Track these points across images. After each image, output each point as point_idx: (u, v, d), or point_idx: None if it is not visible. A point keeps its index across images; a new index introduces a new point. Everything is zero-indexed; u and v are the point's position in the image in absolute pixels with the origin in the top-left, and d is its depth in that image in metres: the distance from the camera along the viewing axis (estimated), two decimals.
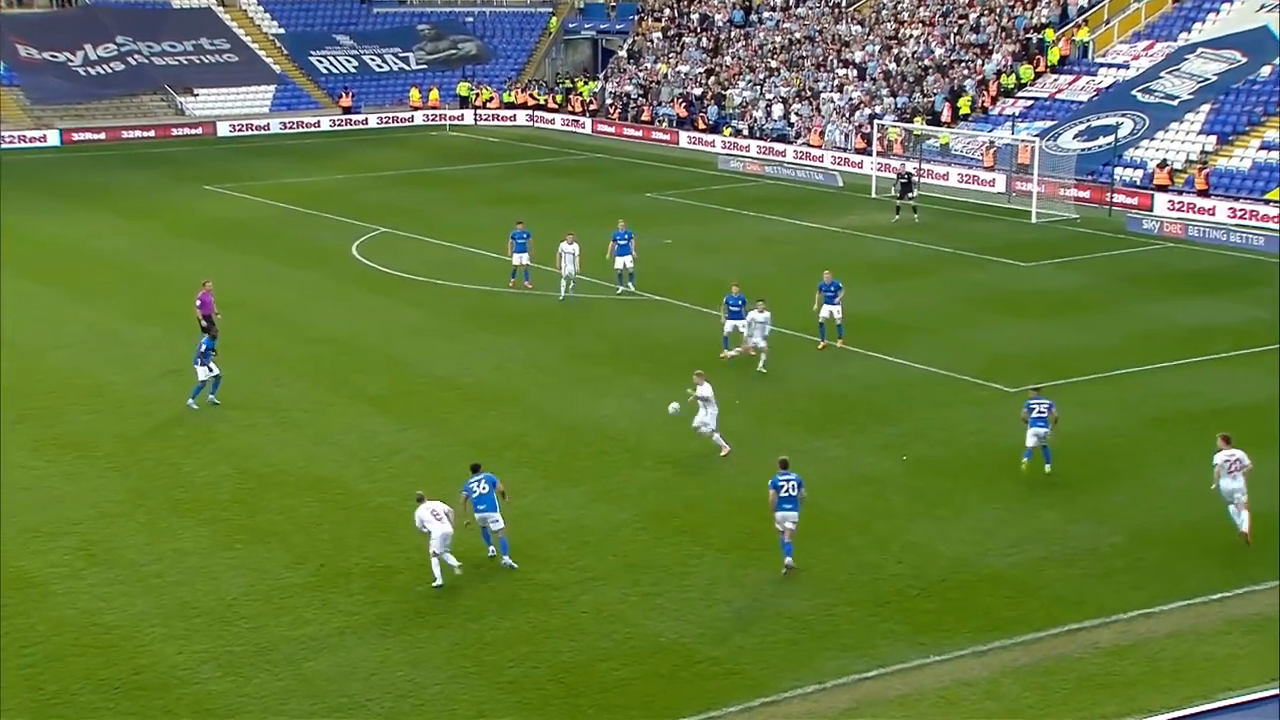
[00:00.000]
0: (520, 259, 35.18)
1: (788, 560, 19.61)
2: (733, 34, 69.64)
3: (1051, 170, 47.27)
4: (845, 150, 56.59)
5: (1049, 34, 57.50)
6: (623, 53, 73.22)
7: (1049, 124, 52.41)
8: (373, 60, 74.51)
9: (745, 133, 61.08)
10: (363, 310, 33.98)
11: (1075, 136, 50.95)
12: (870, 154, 52.65)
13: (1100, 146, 49.65)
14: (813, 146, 57.68)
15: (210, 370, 26.30)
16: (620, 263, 34.82)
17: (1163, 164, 47.84)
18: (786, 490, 19.64)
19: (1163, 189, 46.85)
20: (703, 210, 47.60)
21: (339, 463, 23.70)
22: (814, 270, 37.96)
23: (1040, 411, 23.13)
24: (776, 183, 53.40)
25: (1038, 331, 31.98)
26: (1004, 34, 59.27)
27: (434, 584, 19.18)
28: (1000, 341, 31.02)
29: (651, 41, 72.21)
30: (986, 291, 35.77)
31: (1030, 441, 23.13)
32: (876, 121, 53.99)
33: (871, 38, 63.51)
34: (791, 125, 59.94)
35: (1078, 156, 48.77)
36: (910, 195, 44.29)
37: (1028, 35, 58.38)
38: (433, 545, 19.25)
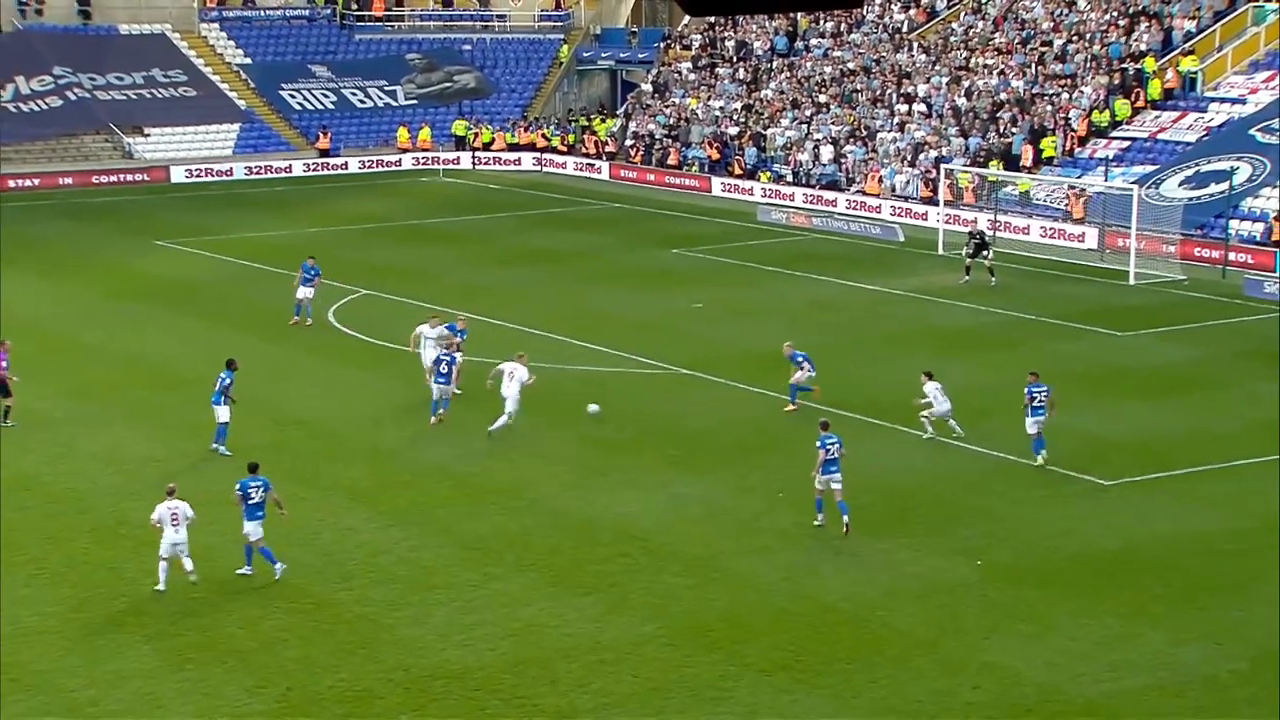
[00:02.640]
0: (305, 293, 39.16)
1: (846, 519, 24.43)
2: (774, 64, 70.53)
3: (1153, 223, 47.49)
4: (907, 199, 57.00)
5: (1149, 64, 57.96)
6: (646, 86, 74.15)
7: (1150, 169, 52.72)
8: (354, 95, 75.69)
9: (789, 179, 61.62)
10: (341, 387, 34.25)
11: (1181, 184, 51.21)
12: (937, 204, 53.01)
13: (1212, 195, 49.87)
14: (869, 195, 58.15)
15: None
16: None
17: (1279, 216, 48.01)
18: (831, 453, 24.54)
19: (1277, 245, 46.93)
20: (739, 269, 47.94)
21: (311, 567, 23.81)
22: (872, 341, 38.27)
23: (1040, 400, 26.99)
24: (826, 237, 53.78)
25: (1138, 414, 32.00)
26: (1095, 64, 59.83)
27: (156, 587, 22.37)
28: (1093, 425, 31.04)
29: (679, 73, 73.16)
30: (1077, 366, 35.83)
31: (1031, 430, 27.15)
32: (944, 166, 54.42)
33: (938, 68, 64.21)
34: (843, 170, 60.45)
35: (1185, 207, 48.98)
36: (985, 255, 44.52)
37: (1124, 65, 58.89)
38: (161, 549, 22.36)
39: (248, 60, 76.02)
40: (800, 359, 31.24)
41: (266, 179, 67.83)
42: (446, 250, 51.66)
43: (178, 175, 67.21)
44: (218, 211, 59.89)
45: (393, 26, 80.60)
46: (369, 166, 70.51)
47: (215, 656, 20.92)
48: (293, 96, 74.46)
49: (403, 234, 54.84)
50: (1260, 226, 48.37)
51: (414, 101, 75.97)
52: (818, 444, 24.85)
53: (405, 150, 71.99)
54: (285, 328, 39.72)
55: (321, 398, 33.45)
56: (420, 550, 24.47)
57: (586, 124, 72.89)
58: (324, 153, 70.73)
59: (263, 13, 78.88)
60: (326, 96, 75.06)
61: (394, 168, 70.64)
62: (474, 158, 71.41)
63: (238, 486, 23.20)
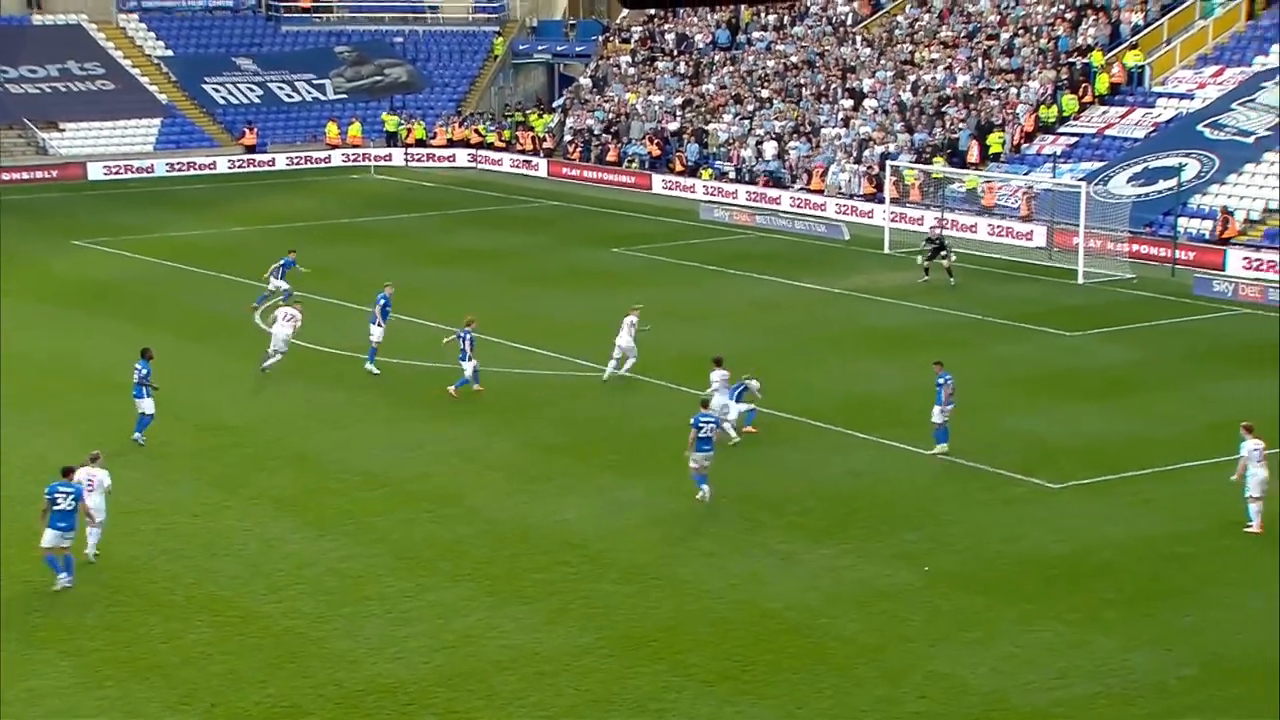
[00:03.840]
0: (278, 284, 40.04)
1: (704, 489, 26.17)
2: (716, 58, 70.76)
3: (1101, 221, 48.01)
4: (852, 197, 57.37)
5: (1097, 58, 58.60)
6: (584, 80, 74.21)
7: (1098, 165, 53.32)
8: (281, 89, 75.30)
9: (731, 176, 61.86)
10: (268, 392, 34.07)
11: (1130, 180, 51.82)
12: (882, 201, 53.38)
13: (1160, 193, 50.49)
14: (813, 192, 58.47)
15: None
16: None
17: (1226, 213, 48.56)
18: (705, 431, 26.15)
19: (1226, 242, 47.49)
20: (680, 269, 48.09)
21: (236, 578, 23.69)
22: (815, 342, 38.47)
23: (951, 389, 28.52)
24: (770, 236, 54.04)
25: (1086, 416, 32.37)
26: (1042, 58, 60.42)
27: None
28: (1040, 428, 31.38)
29: (619, 67, 73.27)
30: (1023, 367, 36.21)
31: (937, 419, 28.62)
32: (889, 162, 54.82)
33: (883, 62, 64.64)
34: (787, 166, 60.75)
35: (1133, 204, 49.54)
36: (944, 255, 44.72)
37: (1071, 59, 59.49)
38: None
39: (169, 52, 75.45)
40: (752, 388, 30.66)
41: (189, 176, 67.36)
42: (377, 249, 51.49)
43: (95, 172, 66.59)
44: (139, 210, 59.41)
45: (320, 18, 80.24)
46: (297, 163, 70.17)
47: (136, 672, 20.77)
48: (216, 90, 73.98)
49: (332, 233, 54.62)
50: (1209, 224, 48.99)
51: (343, 96, 75.69)
52: (692, 422, 26.40)
53: (335, 146, 71.70)
54: (210, 330, 39.48)
55: (247, 402, 33.28)
56: (351, 560, 24.40)
57: (523, 119, 72.85)
58: (250, 149, 70.33)
59: (184, 3, 78.29)
60: (252, 90, 74.63)
61: (323, 164, 70.33)
62: (406, 154, 71.21)
63: (46, 491, 23.00)
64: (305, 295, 43.54)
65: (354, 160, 70.64)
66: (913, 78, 62.50)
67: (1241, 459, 25.34)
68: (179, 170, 67.70)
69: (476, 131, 71.92)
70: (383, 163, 70.54)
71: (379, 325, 35.00)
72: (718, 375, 30.29)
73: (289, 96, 75.14)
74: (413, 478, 28.31)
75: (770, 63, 68.28)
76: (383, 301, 35.19)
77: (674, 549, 24.83)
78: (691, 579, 23.68)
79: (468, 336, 33.12)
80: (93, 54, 73.41)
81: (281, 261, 41.02)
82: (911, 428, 30.03)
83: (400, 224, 57.15)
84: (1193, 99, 55.22)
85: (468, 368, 32.94)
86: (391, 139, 72.25)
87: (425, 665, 20.83)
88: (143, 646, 21.49)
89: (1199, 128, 52.93)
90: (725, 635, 21.69)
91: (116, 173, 66.78)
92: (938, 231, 45.88)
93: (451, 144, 71.74)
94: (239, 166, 69.04)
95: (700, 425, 26.42)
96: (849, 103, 62.71)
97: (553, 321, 39.70)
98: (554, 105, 75.16)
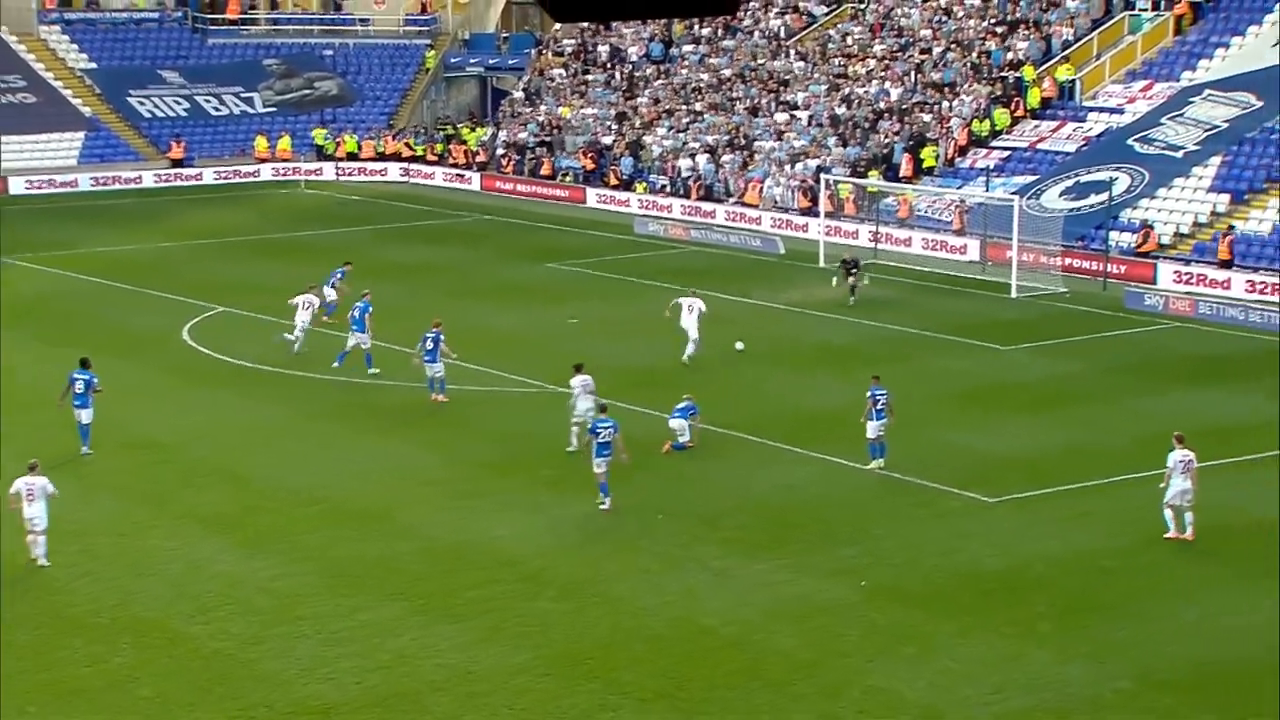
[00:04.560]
0: (332, 294, 40.32)
1: (606, 500, 26.53)
2: (649, 71, 70.94)
3: (1034, 235, 48.46)
4: (787, 211, 57.63)
5: (1028, 72, 59.22)
6: (517, 93, 74.16)
7: (1030, 179, 53.86)
8: (208, 102, 74.69)
9: (666, 189, 62.00)
10: (195, 409, 33.77)
11: (1062, 194, 52.38)
12: (817, 214, 53.65)
13: (1092, 207, 51.05)
14: (748, 206, 58.68)
15: None
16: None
17: (1146, 227, 48.99)
18: (603, 436, 26.63)
19: (1150, 256, 47.91)
20: (616, 283, 48.12)
21: (163, 600, 23.44)
22: (750, 356, 38.54)
23: (882, 404, 28.53)
24: (705, 250, 54.18)
25: (1020, 429, 32.66)
26: (974, 72, 61.01)
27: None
28: (976, 442, 31.62)
29: (552, 80, 73.29)
30: (959, 381, 36.48)
31: (872, 434, 28.61)
32: (824, 176, 55.13)
33: (816, 76, 65.05)
34: (721, 180, 60.93)
35: (1065, 218, 50.06)
36: (854, 274, 44.34)
37: (1003, 74, 60.10)
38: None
39: (93, 65, 74.64)
40: (690, 412, 30.55)
41: (115, 190, 66.65)
42: (308, 265, 51.00)
43: (17, 187, 65.78)
44: (62, 225, 58.73)
45: (248, 30, 79.68)
46: (225, 177, 69.61)
47: (59, 697, 20.50)
48: (142, 104, 73.25)
49: (262, 248, 54.25)
50: (1141, 238, 49.41)
51: (272, 109, 75.18)
52: (590, 428, 27.31)
53: (264, 160, 71.20)
54: (137, 346, 39.10)
55: (176, 419, 32.97)
56: (281, 579, 24.20)
57: (454, 133, 72.70)
58: (176, 163, 69.71)
59: (108, 14, 77.55)
60: (179, 104, 73.98)
61: (252, 178, 69.83)
62: (337, 168, 70.84)
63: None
64: (234, 310, 43.25)
65: (283, 174, 70.19)
66: (846, 91, 62.92)
67: (1168, 470, 25.70)
68: (104, 185, 66.98)
69: (408, 145, 71.68)
70: (313, 177, 70.13)
71: (362, 333, 35.61)
72: (577, 381, 30.38)
73: (216, 110, 74.54)
74: (345, 494, 28.13)
75: (704, 75, 68.53)
76: (361, 309, 35.89)
77: (610, 566, 24.81)
78: (628, 596, 23.66)
79: (433, 338, 33.41)
80: (13, 66, 72.52)
81: (338, 271, 42.04)
82: (848, 442, 30.16)
83: (332, 239, 56.83)
84: (1122, 113, 55.91)
85: (435, 369, 33.39)
86: (321, 153, 71.85)
87: (357, 686, 20.68)
88: (65, 670, 21.21)
89: (1129, 142, 53.60)
90: (661, 653, 21.68)
91: (39, 187, 66.02)
92: (853, 256, 45.46)
93: (383, 158, 71.44)
94: (165, 181, 68.42)
95: (598, 431, 26.90)
96: (783, 116, 63.03)
97: (487, 336, 39.59)
98: (487, 119, 75.04)
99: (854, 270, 44.48)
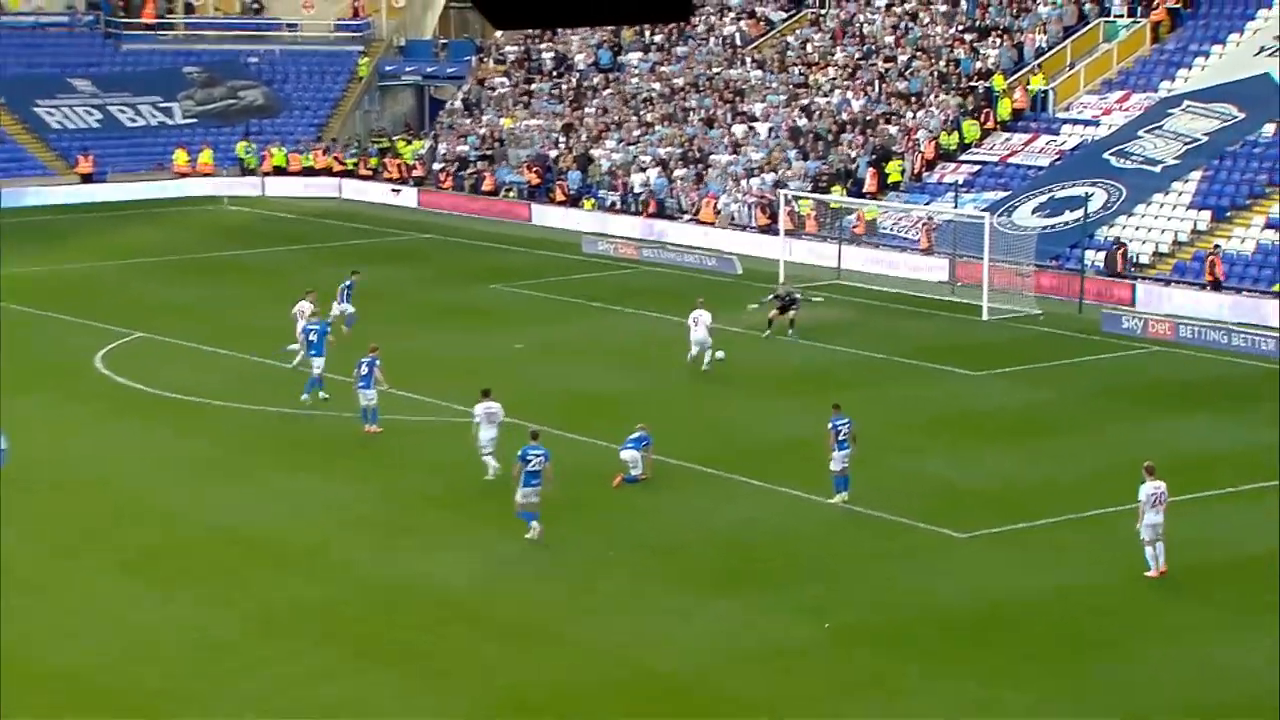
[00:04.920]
0: (343, 308, 41.41)
1: (535, 527, 26.79)
2: (597, 80, 71.23)
3: (1006, 253, 48.89)
4: (745, 228, 57.93)
5: (998, 81, 59.74)
6: (456, 103, 74.31)
7: (1001, 195, 54.35)
8: (123, 112, 74.38)
9: (616, 206, 62.23)
10: (112, 442, 33.63)
11: (1035, 211, 52.84)
12: (776, 232, 53.95)
13: (1066, 224, 51.52)
14: (703, 223, 58.96)
15: None
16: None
17: (1120, 245, 49.37)
18: (533, 465, 26.78)
19: (1125, 276, 48.32)
20: (563, 305, 48.24)
21: (82, 649, 23.33)
22: (706, 382, 38.75)
23: (845, 434, 28.71)
24: (657, 270, 54.38)
25: (992, 460, 32.94)
26: (941, 81, 61.57)
27: None
28: (946, 473, 31.86)
29: (493, 90, 73.48)
30: (927, 409, 36.76)
31: (836, 467, 28.75)
32: (784, 192, 55.47)
33: (774, 85, 65.49)
34: (674, 195, 61.18)
35: (1038, 236, 50.50)
36: (792, 310, 43.45)
37: (972, 83, 60.63)
38: None
39: None
40: (643, 443, 30.74)
41: (20, 208, 66.09)
42: (232, 287, 51.06)
43: None
44: None
45: (166, 35, 79.40)
46: (142, 193, 69.31)
47: None
48: (50, 114, 72.82)
49: (182, 269, 54.07)
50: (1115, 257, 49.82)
51: (193, 120, 74.92)
52: (518, 456, 27.21)
53: (184, 175, 70.98)
54: (48, 377, 38.92)
55: (90, 454, 32.80)
56: (208, 625, 24.13)
57: (389, 145, 72.73)
58: (87, 178, 69.35)
59: (13, 19, 77.13)
60: (90, 114, 73.59)
61: (171, 195, 69.56)
62: (263, 183, 70.71)
63: None
64: (152, 336, 43.08)
65: (205, 190, 69.94)
66: (806, 101, 63.37)
67: (1140, 504, 25.70)
68: (8, 201, 66.48)
69: (339, 159, 71.64)
70: (237, 192, 69.95)
71: (320, 357, 35.80)
72: (480, 408, 30.56)
73: (132, 121, 74.22)
74: (273, 532, 28.08)
75: (655, 85, 68.87)
76: (319, 330, 36.28)
77: (559, 606, 24.88)
78: (577, 638, 23.73)
79: (368, 364, 33.50)
80: None
81: (346, 284, 42.64)
82: (810, 474, 30.33)
83: (257, 258, 56.72)
84: (1098, 125, 56.51)
85: (368, 398, 33.44)
86: (246, 168, 71.69)
87: None
88: None
89: (1105, 156, 54.12)
90: (613, 699, 21.77)
91: None
92: (788, 287, 44.72)
93: (312, 172, 71.37)
94: (77, 197, 68.02)
95: (528, 459, 27.01)
96: (739, 128, 63.41)
97: (426, 363, 39.61)
98: (424, 130, 75.10)
99: (791, 305, 43.51)
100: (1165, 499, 25.70)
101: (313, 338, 36.29)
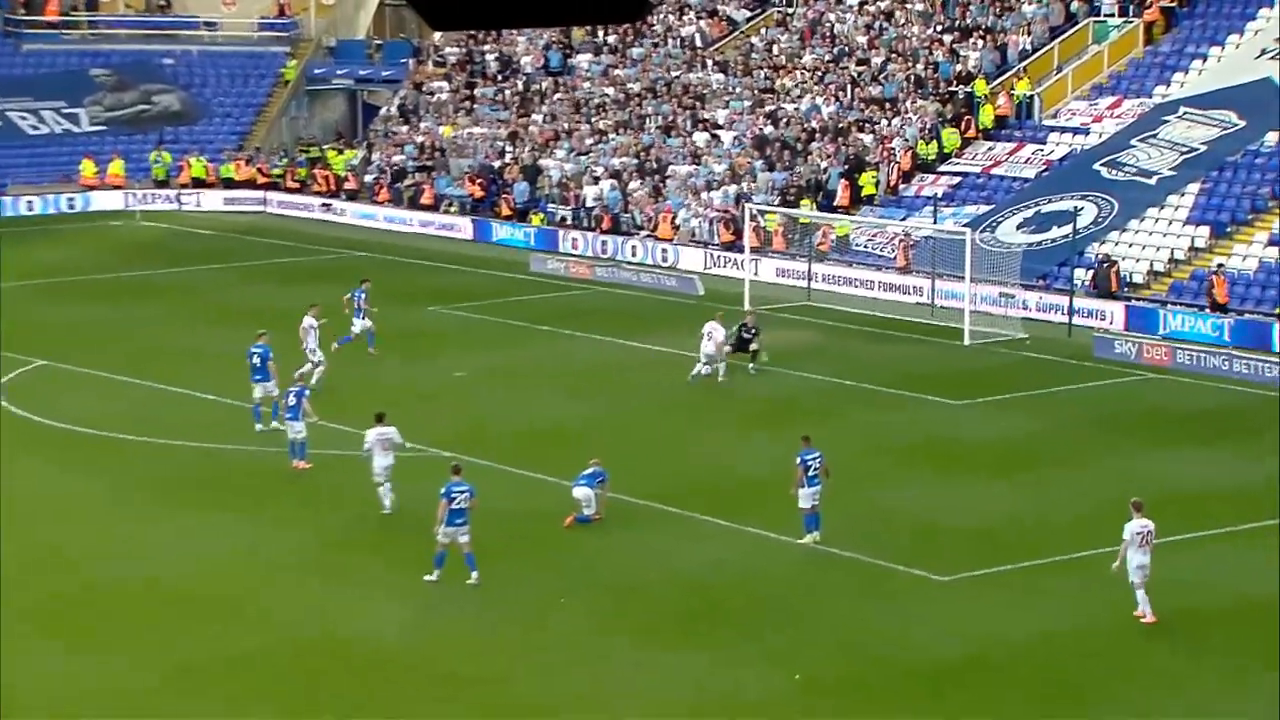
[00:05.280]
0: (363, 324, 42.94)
1: (474, 575, 26.71)
2: (545, 84, 71.36)
3: (989, 272, 49.10)
4: (707, 245, 58.05)
5: (980, 86, 60.03)
6: (392, 110, 74.29)
7: (984, 209, 54.57)
8: (23, 119, 74.07)
9: (567, 220, 62.30)
10: (11, 482, 33.39)
11: (1020, 227, 53.07)
12: (741, 249, 54.09)
13: (1055, 240, 51.76)
14: (661, 240, 59.07)
15: None
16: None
17: (1112, 264, 49.63)
18: (458, 502, 26.85)
19: (1113, 297, 48.45)
20: (509, 329, 48.22)
21: None
22: (666, 413, 38.78)
23: (815, 469, 28.85)
24: (612, 290, 54.42)
25: (975, 496, 33.05)
26: (919, 86, 61.89)
27: None
28: (925, 511, 31.96)
29: (432, 95, 73.53)
30: (905, 441, 36.87)
31: (805, 504, 28.87)
32: (749, 205, 55.62)
33: (738, 90, 65.74)
34: (629, 210, 61.30)
35: (1024, 253, 50.69)
36: (752, 346, 42.67)
37: (952, 88, 60.94)
38: None
39: None
40: (597, 479, 30.70)
41: None
42: (144, 309, 50.82)
43: None
44: None
45: (71, 35, 79.11)
46: (43, 207, 69.00)
47: None
48: None
49: (88, 290, 53.77)
50: (1105, 276, 49.95)
51: (102, 127, 74.65)
52: (441, 493, 27.18)
53: (91, 187, 70.66)
54: None
55: None
56: (117, 684, 23.99)
57: (319, 155, 72.63)
58: None
59: None
60: None
61: (76, 209, 69.27)
62: (179, 196, 70.47)
63: None
64: (55, 364, 42.87)
65: (115, 204, 69.65)
66: (772, 107, 63.62)
67: (1124, 543, 25.79)
68: None
69: (262, 170, 71.49)
70: (150, 206, 69.65)
71: (269, 381, 35.90)
72: (373, 434, 30.68)
73: (34, 128, 73.90)
74: (190, 581, 27.94)
75: (609, 90, 69.03)
76: (261, 353, 36.36)
77: (506, 658, 24.83)
78: (527, 694, 23.70)
79: (296, 394, 33.71)
80: None
81: (353, 293, 43.73)
82: (778, 513, 30.39)
83: (173, 278, 56.47)
84: (1087, 134, 56.81)
85: (296, 431, 33.48)
86: (160, 179, 71.42)
87: None
88: None
89: (1096, 167, 54.37)
90: None
91: None
92: (753, 320, 44.09)
93: (234, 184, 71.18)
94: None
95: (453, 495, 27.12)
96: (701, 136, 63.62)
97: (358, 393, 39.49)
98: (356, 139, 75.04)
99: (752, 334, 42.98)
100: (1153, 538, 25.81)
101: (255, 361, 36.12)
